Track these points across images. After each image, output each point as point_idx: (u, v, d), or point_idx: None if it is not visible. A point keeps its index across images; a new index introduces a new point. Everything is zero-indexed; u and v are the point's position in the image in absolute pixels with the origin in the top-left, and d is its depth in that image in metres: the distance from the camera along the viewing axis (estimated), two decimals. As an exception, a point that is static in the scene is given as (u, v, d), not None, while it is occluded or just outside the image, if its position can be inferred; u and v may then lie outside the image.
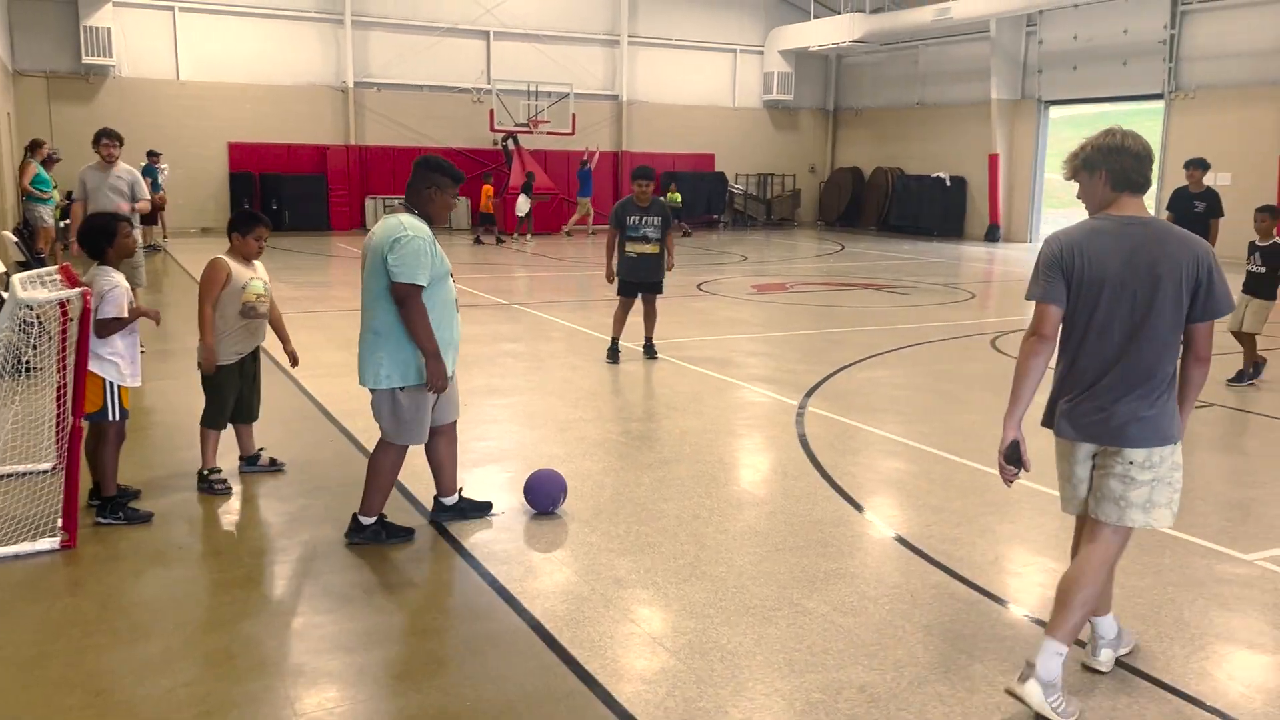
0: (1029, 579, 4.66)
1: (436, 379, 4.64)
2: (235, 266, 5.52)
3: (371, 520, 4.91)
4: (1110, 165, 3.40)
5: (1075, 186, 3.53)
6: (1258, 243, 8.76)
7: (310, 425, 7.12)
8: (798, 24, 28.72)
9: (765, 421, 7.47)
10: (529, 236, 24.26)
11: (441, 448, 5.10)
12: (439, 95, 26.22)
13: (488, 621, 4.13)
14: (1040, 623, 4.13)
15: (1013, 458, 3.50)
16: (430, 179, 4.71)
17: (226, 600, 4.29)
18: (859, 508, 5.55)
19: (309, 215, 24.63)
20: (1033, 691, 3.33)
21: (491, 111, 25.29)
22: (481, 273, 17.16)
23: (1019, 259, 21.65)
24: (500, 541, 4.98)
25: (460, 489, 5.28)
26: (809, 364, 9.50)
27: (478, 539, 4.99)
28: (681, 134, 28.82)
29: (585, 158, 25.64)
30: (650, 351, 9.67)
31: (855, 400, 8.16)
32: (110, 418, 5.06)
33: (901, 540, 5.08)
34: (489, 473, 6.03)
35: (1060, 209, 28.49)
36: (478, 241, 22.94)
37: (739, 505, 5.59)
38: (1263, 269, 8.67)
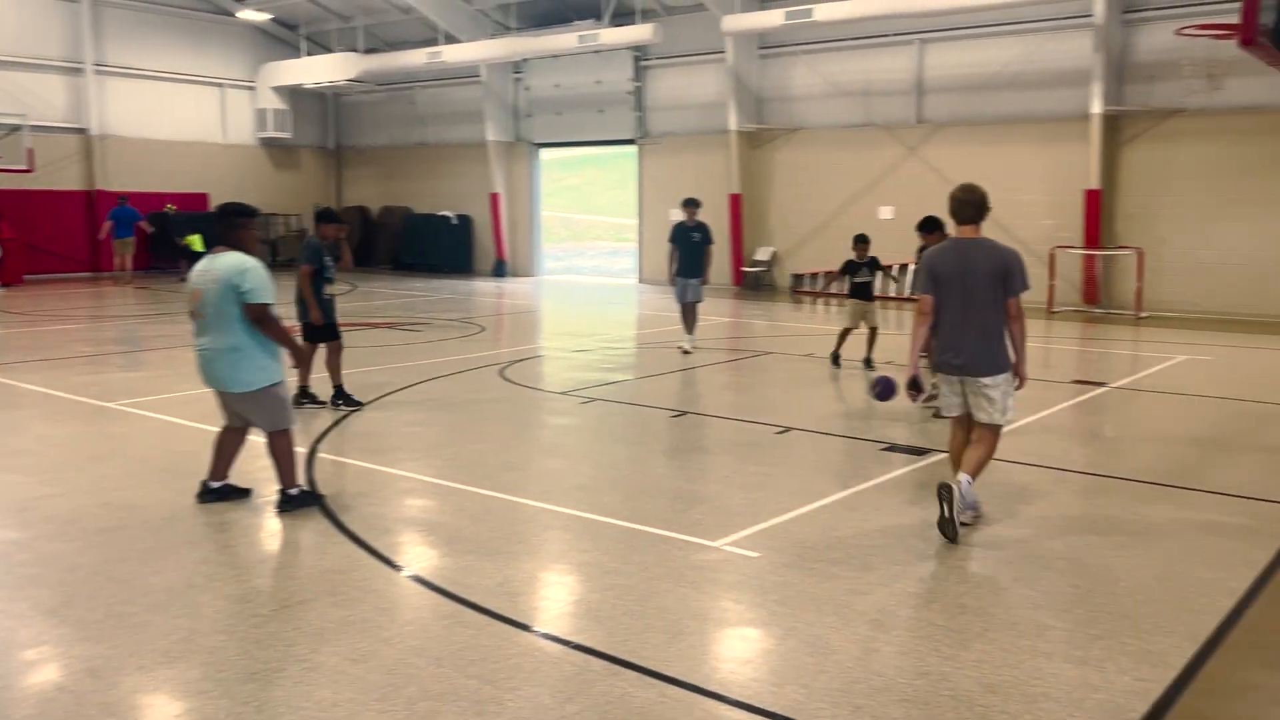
0: (535, 595, 4.89)
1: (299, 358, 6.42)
2: None
3: (297, 489, 6.12)
4: (950, 207, 5.65)
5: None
6: (856, 260, 11.53)
7: None
8: (289, 60, 27.89)
9: (271, 473, 7.07)
10: None
11: (237, 440, 6.22)
12: None
13: (-83, 754, 3.42)
14: (549, 636, 4.35)
15: (911, 385, 5.87)
16: (237, 222, 5.89)
17: None
18: (371, 551, 5.45)
19: None
20: (959, 503, 5.46)
21: (-80, 144, 21.36)
22: (-84, 334, 14.33)
23: (525, 292, 22.88)
24: (-63, 654, 4.16)
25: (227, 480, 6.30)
26: (320, 409, 9.18)
27: (-95, 656, 4.12)
28: (167, 171, 26.53)
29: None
30: (347, 400, 9.33)
31: (368, 442, 8.03)
32: None
33: (415, 578, 5.08)
34: (-78, 573, 5.02)
35: (559, 243, 30.65)
36: None
37: (243, 566, 5.22)
38: (870, 278, 11.54)
